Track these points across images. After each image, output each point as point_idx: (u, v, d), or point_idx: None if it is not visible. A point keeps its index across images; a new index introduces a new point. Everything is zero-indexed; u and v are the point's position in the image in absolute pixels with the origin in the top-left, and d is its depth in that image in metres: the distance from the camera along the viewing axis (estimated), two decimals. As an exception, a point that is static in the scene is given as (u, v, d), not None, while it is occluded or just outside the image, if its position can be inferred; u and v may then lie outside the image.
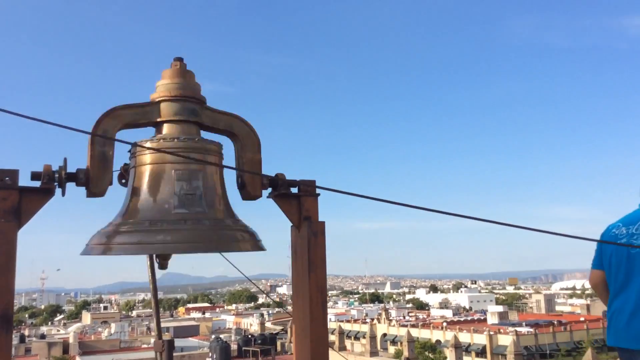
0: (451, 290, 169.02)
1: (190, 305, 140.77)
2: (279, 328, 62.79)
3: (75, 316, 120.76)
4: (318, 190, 2.58)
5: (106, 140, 2.38)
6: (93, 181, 2.34)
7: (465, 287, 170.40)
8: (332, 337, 57.07)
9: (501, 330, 60.27)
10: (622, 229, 3.44)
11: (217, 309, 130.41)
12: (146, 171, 2.54)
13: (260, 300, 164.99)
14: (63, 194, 2.26)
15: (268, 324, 64.30)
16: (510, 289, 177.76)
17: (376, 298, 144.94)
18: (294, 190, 2.59)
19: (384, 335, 69.69)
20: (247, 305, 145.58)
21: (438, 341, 62.33)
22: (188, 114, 2.59)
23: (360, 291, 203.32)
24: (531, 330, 59.67)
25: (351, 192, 2.35)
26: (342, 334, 35.88)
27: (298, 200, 2.56)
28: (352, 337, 59.99)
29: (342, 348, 34.89)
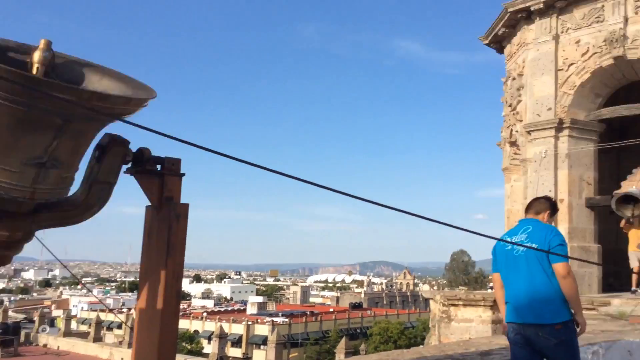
0: (215, 281, 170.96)
1: None
2: (21, 317, 57.33)
3: None
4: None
5: None
6: None
7: (229, 277, 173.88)
8: (85, 327, 53.34)
9: (259, 320, 63.05)
10: (507, 238, 4.47)
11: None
12: None
13: (1, 286, 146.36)
14: None
15: (10, 313, 57.65)
16: (270, 281, 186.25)
17: (136, 287, 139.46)
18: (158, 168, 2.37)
19: (143, 325, 67.49)
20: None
21: (196, 331, 62.58)
22: None
23: (119, 279, 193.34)
24: (286, 320, 63.57)
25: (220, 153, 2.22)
26: (99, 324, 33.63)
27: (161, 178, 2.34)
28: (105, 328, 57.38)
29: (98, 339, 32.74)
